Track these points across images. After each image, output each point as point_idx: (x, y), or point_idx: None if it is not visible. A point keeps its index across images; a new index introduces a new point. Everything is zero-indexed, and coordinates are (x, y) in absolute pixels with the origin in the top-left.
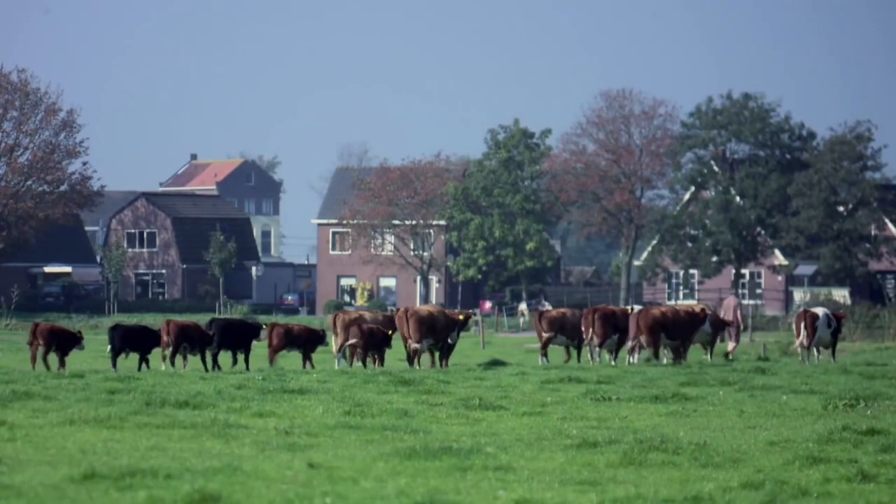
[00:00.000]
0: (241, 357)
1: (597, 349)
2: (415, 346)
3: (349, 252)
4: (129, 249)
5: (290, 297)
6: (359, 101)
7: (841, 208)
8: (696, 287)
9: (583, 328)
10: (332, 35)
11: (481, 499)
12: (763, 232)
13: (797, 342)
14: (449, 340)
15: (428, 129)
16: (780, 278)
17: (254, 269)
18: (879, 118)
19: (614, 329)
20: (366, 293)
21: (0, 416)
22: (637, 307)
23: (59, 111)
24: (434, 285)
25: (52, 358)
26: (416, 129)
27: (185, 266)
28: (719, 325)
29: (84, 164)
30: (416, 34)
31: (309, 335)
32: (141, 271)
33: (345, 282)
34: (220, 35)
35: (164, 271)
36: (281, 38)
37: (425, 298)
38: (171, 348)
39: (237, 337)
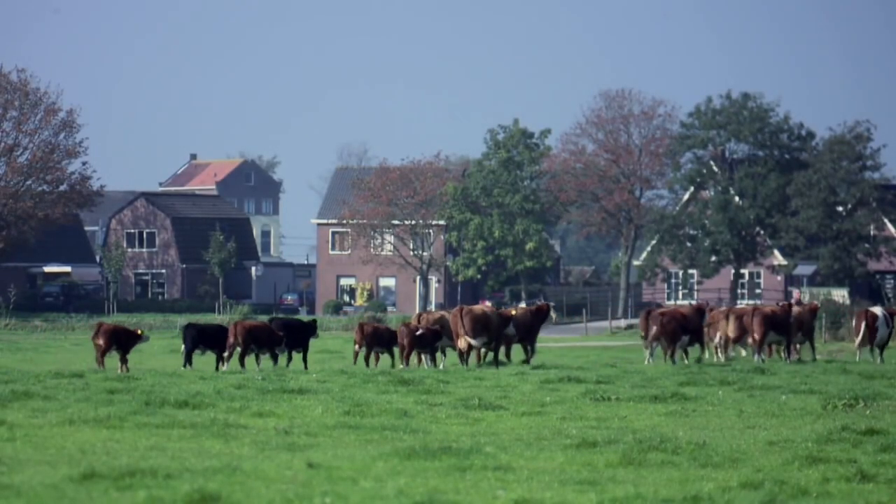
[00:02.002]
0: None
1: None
2: (468, 343)
3: (349, 252)
4: (129, 249)
5: (289, 297)
6: (358, 101)
7: (840, 208)
8: (696, 287)
9: (640, 327)
10: (331, 35)
11: (481, 498)
12: (762, 232)
13: (857, 342)
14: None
15: (427, 129)
16: (779, 278)
17: (253, 268)
18: (879, 118)
19: (684, 330)
20: (365, 293)
21: (0, 416)
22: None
23: (59, 111)
24: (433, 285)
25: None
26: (416, 129)
27: (184, 266)
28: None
29: (84, 163)
30: (415, 34)
31: (394, 335)
32: (140, 271)
33: (344, 282)
34: (219, 35)
35: (163, 271)
36: (281, 39)
37: (425, 298)
38: (238, 349)
39: (297, 337)
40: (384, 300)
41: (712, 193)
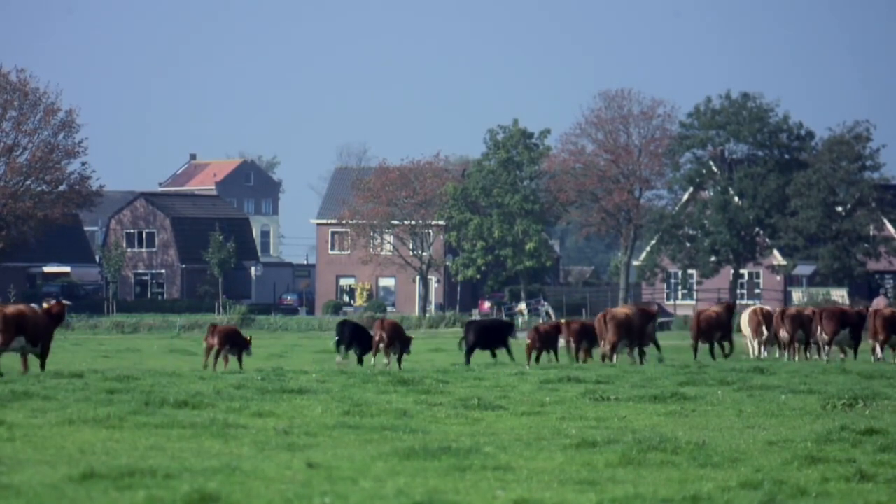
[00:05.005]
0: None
1: (825, 346)
2: (609, 346)
3: (348, 252)
4: (128, 249)
5: (289, 297)
6: (358, 101)
7: (839, 208)
8: (695, 287)
9: (776, 327)
10: (331, 35)
11: (480, 498)
12: (762, 232)
13: None
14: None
15: (427, 129)
16: (778, 278)
17: (253, 269)
18: (878, 118)
19: (843, 326)
20: (365, 293)
21: (0, 416)
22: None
23: (58, 111)
24: (433, 285)
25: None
26: (416, 129)
27: (184, 266)
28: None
29: (83, 163)
30: (415, 34)
31: (556, 334)
32: (140, 271)
33: (344, 282)
34: (219, 35)
35: (163, 271)
36: (280, 39)
37: (424, 299)
38: (383, 345)
39: (495, 337)
40: (384, 300)
41: (712, 193)
